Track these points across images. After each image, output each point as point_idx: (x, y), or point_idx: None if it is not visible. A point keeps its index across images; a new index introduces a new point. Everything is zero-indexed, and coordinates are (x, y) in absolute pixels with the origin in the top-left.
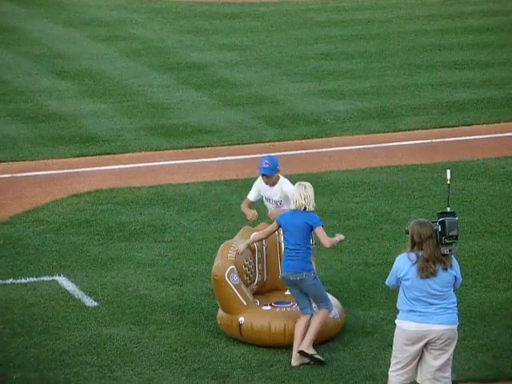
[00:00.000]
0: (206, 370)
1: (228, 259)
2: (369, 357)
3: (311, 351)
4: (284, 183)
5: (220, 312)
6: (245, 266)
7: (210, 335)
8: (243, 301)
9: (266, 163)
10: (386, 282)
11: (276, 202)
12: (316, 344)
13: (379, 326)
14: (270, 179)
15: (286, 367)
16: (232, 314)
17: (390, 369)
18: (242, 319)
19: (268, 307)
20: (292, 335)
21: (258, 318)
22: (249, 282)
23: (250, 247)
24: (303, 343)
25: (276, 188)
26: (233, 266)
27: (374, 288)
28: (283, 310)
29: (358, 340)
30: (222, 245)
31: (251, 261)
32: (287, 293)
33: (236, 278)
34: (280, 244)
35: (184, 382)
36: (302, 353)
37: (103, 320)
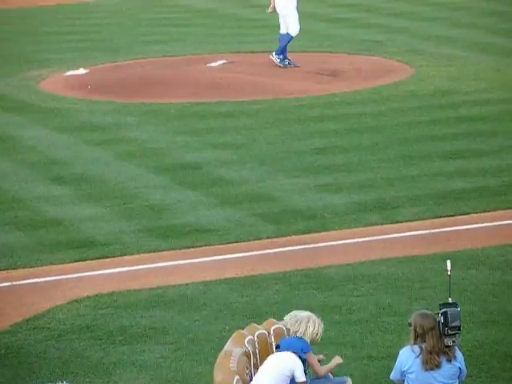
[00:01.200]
0: None
1: (231, 371)
2: None
3: None
4: None
5: None
6: (246, 375)
7: None
8: None
9: None
10: (391, 377)
11: None
12: None
13: None
14: None
15: None
16: None
17: None
18: None
19: None
20: None
21: None
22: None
23: (246, 353)
24: None
25: None
26: (238, 377)
27: (379, 382)
28: None
29: None
30: (220, 357)
31: (248, 365)
32: None
33: None
34: (271, 345)
35: None
36: None
37: None
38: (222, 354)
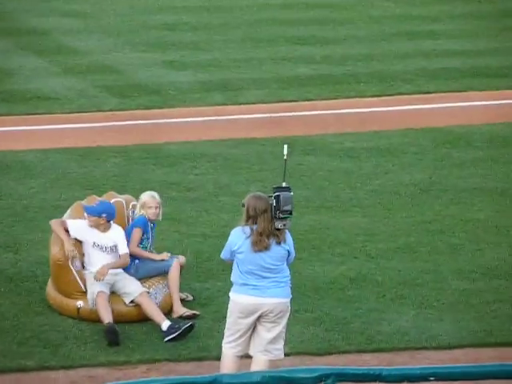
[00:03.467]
0: (39, 338)
1: (70, 242)
2: (203, 328)
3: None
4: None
5: (52, 293)
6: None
7: (43, 304)
8: (83, 286)
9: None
10: (222, 256)
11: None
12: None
13: (214, 297)
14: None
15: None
16: (70, 298)
17: (224, 340)
18: (80, 303)
19: None
20: (135, 316)
21: None
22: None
23: None
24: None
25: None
26: (76, 251)
27: (211, 260)
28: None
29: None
30: (55, 225)
31: None
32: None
33: (78, 264)
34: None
35: (16, 351)
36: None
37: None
38: (58, 222)
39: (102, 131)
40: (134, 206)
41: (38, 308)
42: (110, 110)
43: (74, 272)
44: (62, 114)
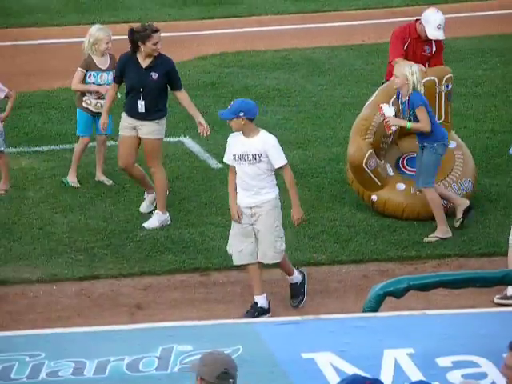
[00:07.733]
0: (329, 233)
1: (366, 142)
2: (493, 224)
3: None
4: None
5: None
6: (382, 143)
7: (333, 200)
8: (378, 182)
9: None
10: (510, 150)
11: (254, 157)
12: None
13: (504, 193)
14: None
15: (408, 232)
16: (366, 191)
17: (510, 236)
18: (374, 197)
19: (402, 186)
20: (424, 217)
21: (393, 197)
22: (383, 152)
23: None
24: None
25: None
26: (371, 151)
27: (500, 156)
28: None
29: (483, 207)
30: (356, 125)
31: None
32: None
33: (373, 163)
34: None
35: (307, 245)
36: None
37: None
38: (357, 124)
39: (389, 27)
40: (447, 80)
41: (328, 204)
42: (397, 7)
43: (369, 172)
44: (348, 10)
